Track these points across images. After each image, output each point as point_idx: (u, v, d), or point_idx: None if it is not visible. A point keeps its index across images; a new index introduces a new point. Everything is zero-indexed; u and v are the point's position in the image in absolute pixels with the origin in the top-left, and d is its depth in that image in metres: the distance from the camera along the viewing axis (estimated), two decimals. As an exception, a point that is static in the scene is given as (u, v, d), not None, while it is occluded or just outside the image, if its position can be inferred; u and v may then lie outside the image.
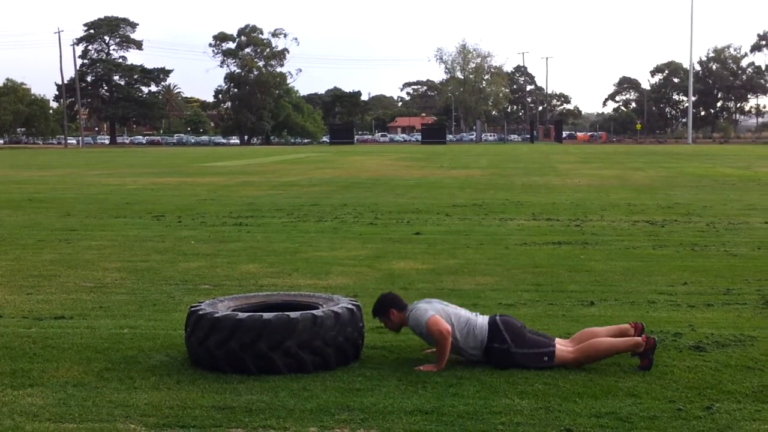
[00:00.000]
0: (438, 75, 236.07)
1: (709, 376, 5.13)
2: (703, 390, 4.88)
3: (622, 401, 4.68)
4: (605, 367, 5.32)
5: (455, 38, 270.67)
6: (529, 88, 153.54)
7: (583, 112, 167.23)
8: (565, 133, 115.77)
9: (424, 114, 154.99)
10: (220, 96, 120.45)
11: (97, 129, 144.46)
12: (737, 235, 11.96)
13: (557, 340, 5.48)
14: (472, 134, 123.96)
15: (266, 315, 5.23)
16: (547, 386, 4.96)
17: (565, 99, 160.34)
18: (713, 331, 6.27)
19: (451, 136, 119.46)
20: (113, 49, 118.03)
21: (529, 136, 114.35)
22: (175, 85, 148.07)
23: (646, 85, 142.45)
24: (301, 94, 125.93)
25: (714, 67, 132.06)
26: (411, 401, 4.70)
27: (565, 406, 4.62)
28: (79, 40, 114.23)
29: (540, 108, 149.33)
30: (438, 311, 5.44)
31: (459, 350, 5.44)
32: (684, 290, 7.94)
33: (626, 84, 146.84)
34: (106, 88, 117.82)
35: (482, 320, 5.50)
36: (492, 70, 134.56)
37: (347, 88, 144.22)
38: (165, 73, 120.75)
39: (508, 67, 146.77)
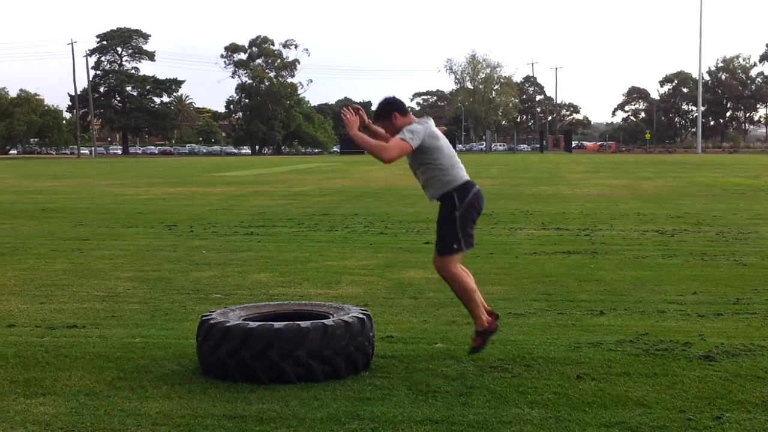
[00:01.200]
0: (448, 85, 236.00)
1: (719, 386, 5.13)
2: (713, 400, 4.88)
3: (631, 411, 4.69)
4: (614, 377, 5.33)
5: (465, 48, 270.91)
6: (538, 98, 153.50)
7: (592, 122, 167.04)
8: (574, 143, 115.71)
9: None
10: (231, 106, 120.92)
11: (109, 139, 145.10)
12: (747, 245, 11.94)
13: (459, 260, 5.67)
14: (482, 144, 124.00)
15: (277, 324, 5.26)
16: (556, 396, 4.97)
17: (575, 109, 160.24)
18: (723, 340, 6.26)
19: (460, 146, 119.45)
20: (126, 60, 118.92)
21: (538, 145, 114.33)
22: (187, 96, 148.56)
23: (655, 95, 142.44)
24: (312, 105, 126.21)
25: (723, 77, 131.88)
26: (421, 411, 4.71)
27: (575, 415, 4.62)
28: (92, 52, 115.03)
29: (549, 118, 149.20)
30: (419, 141, 5.46)
31: (427, 169, 5.58)
32: (694, 300, 7.94)
33: (635, 94, 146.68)
34: (118, 98, 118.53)
35: (463, 175, 5.64)
36: (501, 80, 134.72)
37: (358, 98, 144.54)
38: (177, 83, 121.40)
39: (518, 78, 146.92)
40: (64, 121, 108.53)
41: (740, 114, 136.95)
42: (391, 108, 5.73)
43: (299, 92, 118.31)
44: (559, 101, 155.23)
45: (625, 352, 5.94)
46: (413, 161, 5.68)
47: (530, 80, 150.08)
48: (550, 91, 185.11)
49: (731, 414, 4.63)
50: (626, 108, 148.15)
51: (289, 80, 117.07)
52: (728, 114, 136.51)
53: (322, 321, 5.35)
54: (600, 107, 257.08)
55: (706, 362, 5.65)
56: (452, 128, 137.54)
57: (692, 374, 5.37)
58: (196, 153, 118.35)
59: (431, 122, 5.68)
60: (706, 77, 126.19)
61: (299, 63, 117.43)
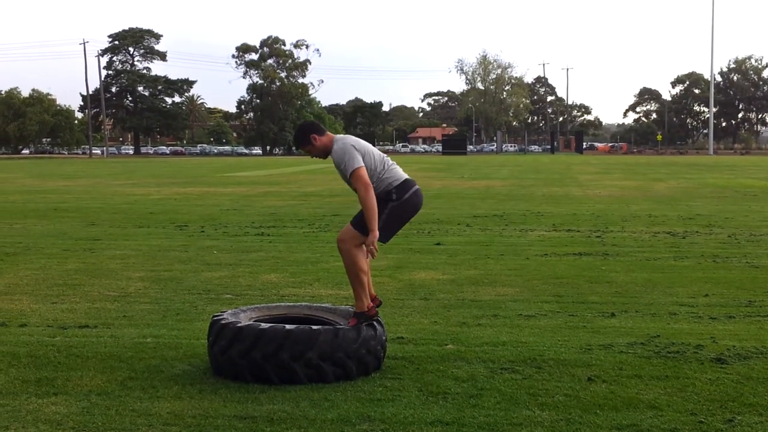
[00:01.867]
0: (459, 86, 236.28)
1: (731, 389, 5.11)
2: (724, 403, 4.86)
3: (643, 413, 4.68)
4: (626, 380, 5.31)
5: (476, 49, 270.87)
6: (549, 98, 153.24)
7: (603, 123, 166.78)
8: (585, 144, 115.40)
9: (444, 125, 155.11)
10: (242, 107, 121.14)
11: (121, 139, 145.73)
12: (759, 247, 11.89)
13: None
14: (493, 145, 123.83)
15: (288, 326, 5.27)
16: (567, 398, 4.96)
17: (586, 110, 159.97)
18: (735, 343, 6.24)
19: (471, 146, 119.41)
20: (137, 60, 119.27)
21: (549, 146, 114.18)
22: (199, 96, 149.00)
23: (667, 96, 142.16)
24: (323, 105, 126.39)
25: (735, 78, 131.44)
26: (431, 412, 4.71)
27: (586, 418, 4.61)
28: (104, 51, 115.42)
29: (560, 119, 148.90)
30: (363, 158, 5.54)
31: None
32: (705, 302, 7.91)
33: (647, 95, 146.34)
34: (130, 98, 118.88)
35: (401, 174, 5.71)
36: (512, 80, 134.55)
37: (368, 99, 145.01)
38: (188, 84, 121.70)
39: (529, 78, 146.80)
40: (76, 121, 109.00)
41: (752, 115, 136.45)
42: (309, 132, 5.71)
43: (310, 93, 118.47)
44: (570, 102, 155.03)
45: (637, 354, 5.93)
46: (345, 176, 5.63)
47: (541, 81, 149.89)
48: (561, 92, 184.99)
49: (743, 417, 4.61)
50: (638, 109, 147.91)
51: (300, 81, 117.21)
52: (740, 115, 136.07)
53: (333, 325, 5.36)
54: (611, 108, 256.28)
55: (718, 365, 5.63)
56: (463, 129, 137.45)
57: (704, 377, 5.36)
58: (207, 153, 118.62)
59: (347, 138, 5.69)
60: (718, 78, 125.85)
61: (310, 63, 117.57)
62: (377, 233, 5.45)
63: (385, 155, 5.80)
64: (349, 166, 5.50)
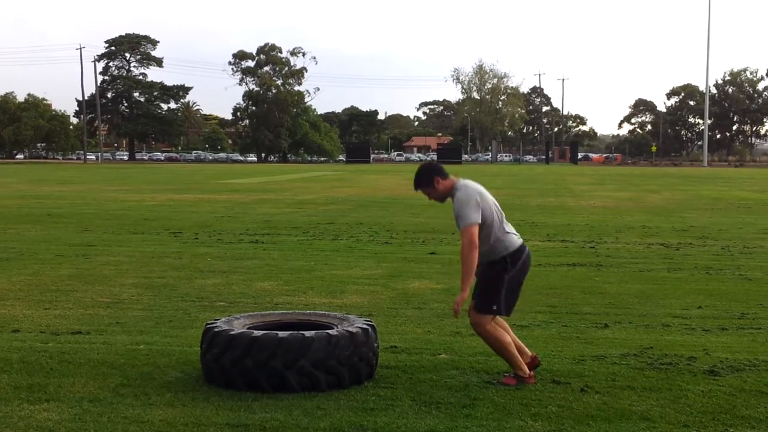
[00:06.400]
0: (454, 95, 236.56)
1: (724, 401, 5.12)
2: (717, 415, 4.87)
3: (635, 425, 4.68)
4: (618, 391, 5.32)
5: (472, 58, 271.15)
6: (545, 109, 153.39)
7: (598, 134, 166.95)
8: (580, 155, 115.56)
9: (440, 134, 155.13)
10: (238, 114, 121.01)
11: (116, 145, 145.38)
12: (752, 259, 11.92)
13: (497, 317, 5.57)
14: (488, 154, 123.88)
15: (281, 333, 5.27)
16: (560, 408, 4.96)
17: (581, 120, 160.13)
18: (728, 355, 6.25)
19: (466, 156, 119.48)
20: (134, 66, 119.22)
21: (544, 157, 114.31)
22: (194, 103, 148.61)
23: (662, 108, 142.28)
24: (319, 113, 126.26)
25: (730, 90, 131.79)
26: (424, 422, 4.71)
27: (579, 429, 4.61)
28: (100, 57, 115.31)
29: (556, 129, 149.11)
30: (480, 212, 5.39)
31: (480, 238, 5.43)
32: (698, 314, 7.92)
33: (642, 106, 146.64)
34: (125, 104, 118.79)
35: (516, 240, 5.57)
36: (508, 90, 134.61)
37: (364, 107, 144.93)
38: (184, 90, 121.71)
39: (525, 88, 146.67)
40: (71, 126, 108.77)
41: (747, 128, 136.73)
42: (433, 174, 5.65)
43: (306, 100, 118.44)
44: (565, 112, 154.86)
45: (630, 365, 5.94)
46: (457, 224, 5.54)
47: (537, 91, 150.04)
48: (556, 102, 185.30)
49: (735, 429, 4.62)
50: (632, 120, 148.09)
51: (296, 88, 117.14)
52: (735, 127, 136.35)
53: (326, 331, 5.35)
54: (606, 119, 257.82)
55: (711, 377, 5.64)
56: (458, 138, 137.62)
57: (696, 389, 5.36)
58: (202, 160, 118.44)
59: (471, 186, 5.58)
60: (713, 90, 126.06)
61: (306, 71, 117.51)
62: (467, 294, 5.37)
63: (501, 211, 5.66)
64: (464, 220, 5.36)
